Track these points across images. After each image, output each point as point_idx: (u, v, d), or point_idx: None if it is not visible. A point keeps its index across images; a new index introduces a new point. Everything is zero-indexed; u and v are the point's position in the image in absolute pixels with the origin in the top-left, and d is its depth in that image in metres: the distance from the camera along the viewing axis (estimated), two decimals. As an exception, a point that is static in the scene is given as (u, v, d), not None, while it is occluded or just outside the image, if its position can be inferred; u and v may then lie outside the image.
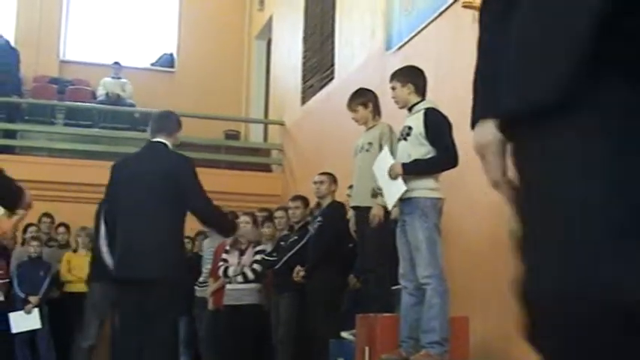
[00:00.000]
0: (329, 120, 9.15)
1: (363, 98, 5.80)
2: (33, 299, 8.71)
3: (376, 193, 5.35)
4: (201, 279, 8.19)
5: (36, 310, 8.69)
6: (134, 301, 4.73)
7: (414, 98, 4.94)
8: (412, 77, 4.98)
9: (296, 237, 7.03)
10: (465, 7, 6.00)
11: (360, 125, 5.87)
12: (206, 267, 8.07)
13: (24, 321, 8.66)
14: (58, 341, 9.13)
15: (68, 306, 9.25)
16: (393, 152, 5.23)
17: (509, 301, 4.77)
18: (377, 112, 5.80)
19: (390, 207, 4.84)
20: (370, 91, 5.90)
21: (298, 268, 6.67)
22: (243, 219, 7.29)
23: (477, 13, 5.85)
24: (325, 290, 6.38)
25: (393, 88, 5.02)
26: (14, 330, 8.62)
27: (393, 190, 4.79)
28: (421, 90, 4.96)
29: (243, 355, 7.21)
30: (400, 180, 4.74)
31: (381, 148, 5.50)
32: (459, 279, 5.46)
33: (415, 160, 4.76)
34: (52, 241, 9.83)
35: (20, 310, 8.70)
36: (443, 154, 4.77)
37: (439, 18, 6.62)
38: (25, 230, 9.52)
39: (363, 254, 5.78)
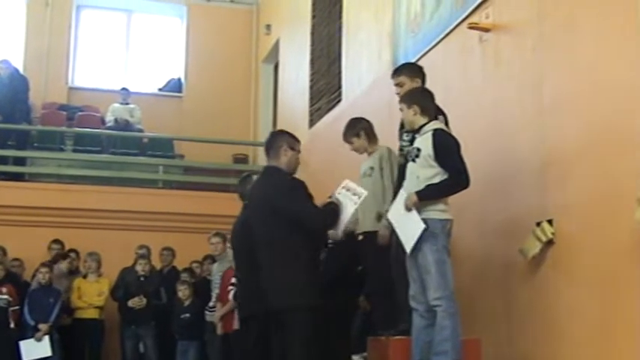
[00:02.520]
0: (337, 142, 9.11)
1: (354, 129, 5.91)
2: (43, 327, 8.70)
3: (381, 216, 5.39)
4: (210, 303, 8.16)
5: (46, 338, 8.68)
6: None
7: (421, 120, 4.94)
8: (417, 99, 4.98)
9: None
10: (470, 28, 6.02)
11: (361, 154, 5.93)
12: (215, 292, 8.04)
13: (35, 349, 8.64)
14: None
15: (79, 332, 9.24)
16: (392, 174, 5.47)
17: (521, 322, 4.77)
18: (372, 137, 5.91)
19: (408, 249, 4.76)
20: (360, 119, 5.99)
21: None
22: None
23: (483, 34, 5.91)
24: (336, 313, 6.35)
25: (401, 110, 5.05)
26: (25, 358, 8.60)
27: (410, 232, 4.74)
28: (428, 111, 4.96)
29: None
30: (417, 216, 4.71)
31: (381, 170, 5.56)
32: (470, 301, 5.43)
33: (428, 186, 4.74)
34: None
35: (31, 337, 8.68)
36: (455, 177, 4.75)
37: (445, 39, 6.63)
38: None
39: (372, 277, 5.77)
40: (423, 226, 4.67)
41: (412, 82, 5.39)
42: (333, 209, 5.01)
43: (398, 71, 5.57)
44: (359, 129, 5.87)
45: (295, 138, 5.34)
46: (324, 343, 6.00)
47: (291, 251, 4.85)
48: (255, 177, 5.91)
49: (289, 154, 5.18)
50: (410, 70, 5.58)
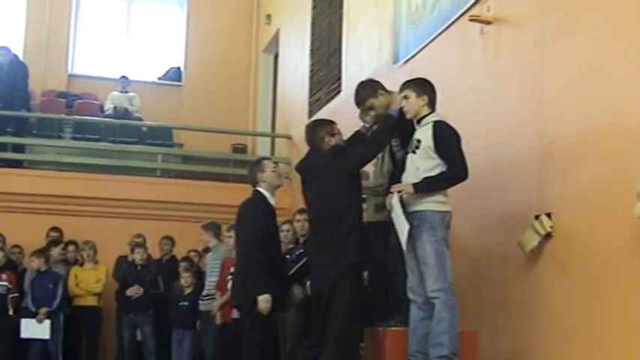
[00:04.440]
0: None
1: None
2: (42, 311, 8.70)
3: (381, 206, 5.39)
4: (204, 292, 8.15)
5: (47, 321, 8.70)
6: None
7: (426, 110, 4.94)
8: (427, 89, 4.98)
9: (302, 250, 7.01)
10: (471, 20, 6.02)
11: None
12: (209, 280, 8.03)
13: (34, 329, 8.68)
14: (64, 355, 9.12)
15: (77, 320, 9.25)
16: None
17: (518, 315, 4.80)
18: None
19: (404, 247, 4.78)
20: None
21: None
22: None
23: (484, 27, 5.90)
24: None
25: (406, 97, 5.00)
26: (22, 335, 8.67)
27: (401, 230, 4.76)
28: (432, 103, 4.97)
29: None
30: (402, 217, 4.72)
31: (382, 160, 5.53)
32: (467, 293, 5.45)
33: (425, 178, 4.75)
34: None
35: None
36: (453, 169, 4.76)
37: (446, 32, 6.63)
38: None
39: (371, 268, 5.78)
40: (407, 226, 4.69)
41: (379, 97, 5.32)
42: (384, 125, 5.17)
43: (361, 100, 5.37)
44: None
45: (331, 122, 5.50)
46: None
47: (343, 214, 5.06)
48: (266, 161, 6.16)
49: (333, 142, 5.31)
50: (367, 90, 5.40)
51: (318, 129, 5.40)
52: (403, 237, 4.72)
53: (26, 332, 8.68)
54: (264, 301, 5.50)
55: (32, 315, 8.73)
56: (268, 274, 5.58)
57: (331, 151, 5.25)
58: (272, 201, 5.93)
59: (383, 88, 5.43)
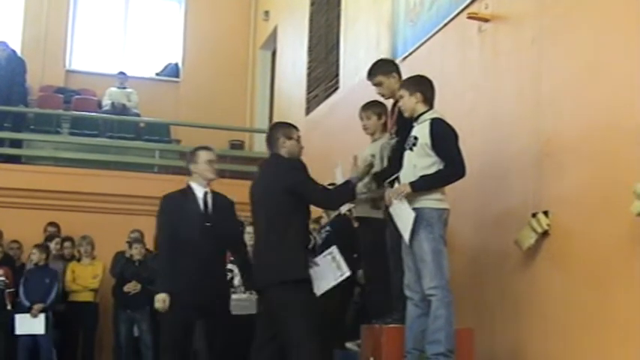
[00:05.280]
0: (334, 130, 9.17)
1: (381, 109, 5.77)
2: (37, 307, 8.69)
3: (375, 201, 5.41)
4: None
5: (42, 316, 8.68)
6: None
7: (421, 108, 4.93)
8: (420, 86, 4.97)
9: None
10: (469, 18, 6.02)
11: (367, 134, 5.86)
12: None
13: (29, 324, 8.65)
14: (60, 350, 9.13)
15: (73, 315, 9.25)
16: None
17: (514, 313, 4.81)
18: (386, 126, 5.81)
19: (407, 239, 4.78)
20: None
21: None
22: (249, 229, 7.28)
23: (482, 24, 5.90)
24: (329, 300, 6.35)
25: (401, 97, 5.01)
26: (17, 331, 8.64)
27: (405, 222, 4.75)
28: (429, 100, 4.95)
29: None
30: (406, 205, 4.73)
31: (382, 160, 5.53)
32: (464, 291, 5.45)
33: (422, 177, 4.75)
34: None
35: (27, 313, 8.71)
36: (451, 166, 4.75)
37: (444, 29, 6.63)
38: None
39: (366, 264, 5.79)
40: (413, 214, 4.68)
41: (390, 78, 5.44)
42: (344, 190, 5.21)
43: (372, 73, 5.57)
44: (384, 111, 5.73)
45: (291, 126, 5.42)
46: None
47: (286, 228, 5.00)
48: (201, 152, 6.02)
49: (287, 144, 5.28)
50: (383, 67, 5.59)
51: (276, 129, 5.39)
52: (408, 229, 4.71)
53: (21, 328, 8.65)
54: (158, 300, 5.42)
55: (25, 310, 8.72)
56: (174, 273, 5.44)
57: (298, 165, 5.21)
58: (200, 194, 5.75)
59: (398, 72, 5.52)
